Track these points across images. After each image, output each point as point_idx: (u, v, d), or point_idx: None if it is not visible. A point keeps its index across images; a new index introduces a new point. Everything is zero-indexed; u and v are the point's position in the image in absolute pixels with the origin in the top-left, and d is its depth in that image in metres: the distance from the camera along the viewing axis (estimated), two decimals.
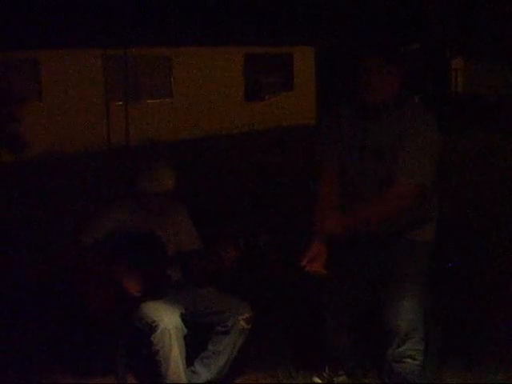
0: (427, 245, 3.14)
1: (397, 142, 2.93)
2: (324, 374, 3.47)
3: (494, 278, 4.87)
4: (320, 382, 3.48)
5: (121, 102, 14.74)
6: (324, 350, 3.52)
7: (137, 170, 3.40)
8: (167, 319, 3.15)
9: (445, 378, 3.51)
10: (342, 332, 3.41)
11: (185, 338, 3.20)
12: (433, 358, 3.54)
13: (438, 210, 3.20)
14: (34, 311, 4.18)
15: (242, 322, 3.31)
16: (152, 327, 3.16)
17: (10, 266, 5.08)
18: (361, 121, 3.05)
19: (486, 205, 7.39)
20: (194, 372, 3.39)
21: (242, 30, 16.32)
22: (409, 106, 3.01)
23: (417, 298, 3.12)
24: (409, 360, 3.18)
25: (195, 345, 3.35)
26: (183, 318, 3.22)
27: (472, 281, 4.74)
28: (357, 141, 3.04)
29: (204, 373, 3.39)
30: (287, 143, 14.00)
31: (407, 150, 2.91)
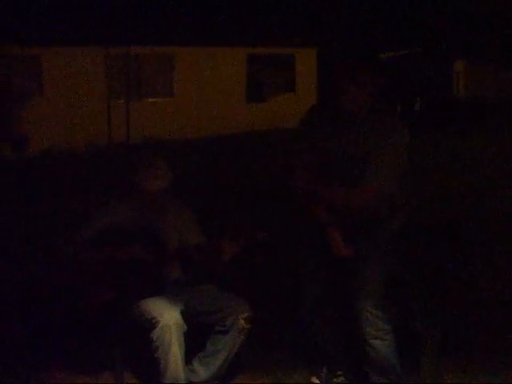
0: (384, 246, 3.16)
1: (366, 151, 2.99)
2: (322, 374, 3.47)
3: (492, 279, 4.88)
4: (318, 382, 3.47)
5: (122, 100, 14.76)
6: (321, 349, 3.51)
7: (136, 168, 3.41)
8: (168, 315, 3.14)
9: (442, 378, 3.50)
10: (330, 330, 3.41)
11: (184, 335, 3.19)
12: (431, 358, 3.54)
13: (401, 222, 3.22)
14: (30, 309, 4.17)
15: (241, 322, 3.30)
16: (152, 323, 3.15)
17: (8, 263, 5.07)
18: (333, 126, 3.10)
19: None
20: (192, 370, 3.37)
21: (246, 31, 16.34)
22: (381, 118, 3.03)
23: (379, 285, 3.15)
24: (377, 341, 3.17)
25: (194, 343, 3.34)
26: (183, 315, 3.21)
27: (470, 282, 4.76)
28: (328, 146, 3.09)
29: (202, 371, 3.37)
30: (288, 145, 13.98)
31: (375, 161, 2.97)
